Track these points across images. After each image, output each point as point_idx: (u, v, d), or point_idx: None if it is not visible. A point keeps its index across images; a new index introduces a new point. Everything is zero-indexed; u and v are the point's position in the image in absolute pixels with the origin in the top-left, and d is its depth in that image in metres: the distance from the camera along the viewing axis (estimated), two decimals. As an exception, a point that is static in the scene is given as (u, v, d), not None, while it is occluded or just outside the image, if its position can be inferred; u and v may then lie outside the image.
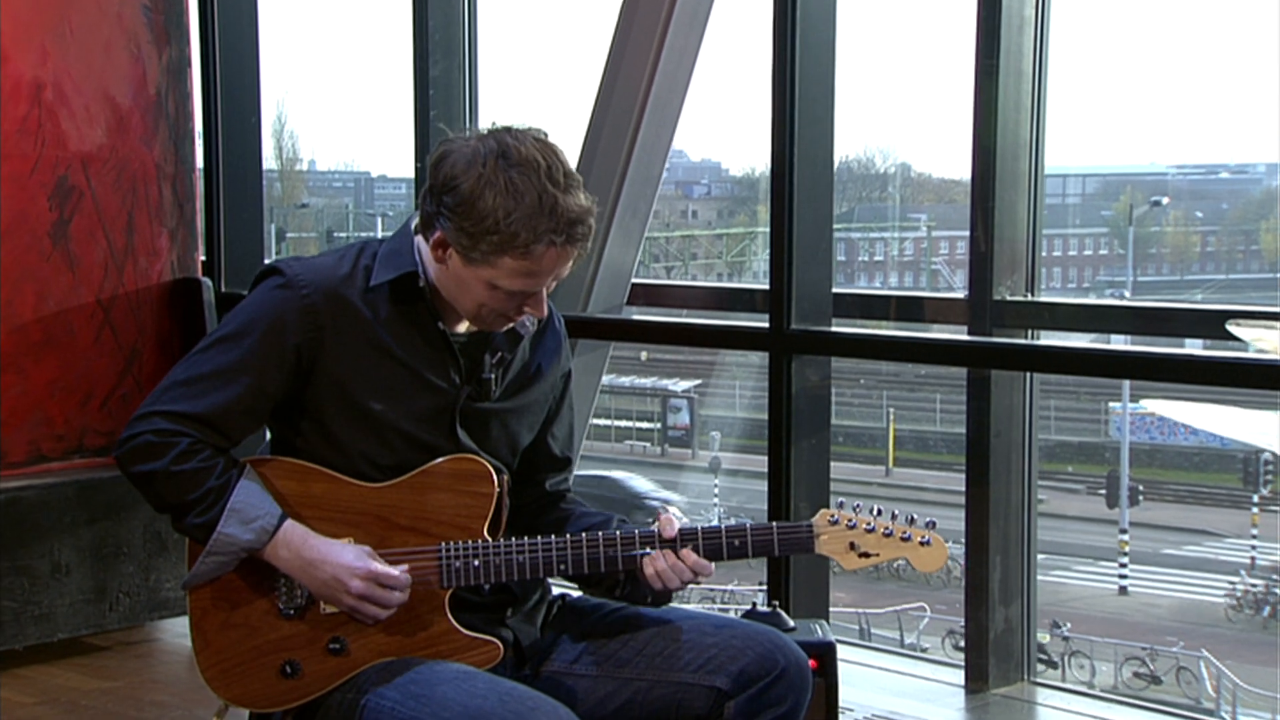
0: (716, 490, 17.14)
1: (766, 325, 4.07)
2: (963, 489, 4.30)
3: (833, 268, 4.17)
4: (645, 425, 18.44)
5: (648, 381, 18.17)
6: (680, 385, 17.83)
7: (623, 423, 18.86)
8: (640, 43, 4.68)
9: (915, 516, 2.44)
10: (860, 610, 15.39)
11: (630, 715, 2.43)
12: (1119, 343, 5.43)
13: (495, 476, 2.38)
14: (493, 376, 2.45)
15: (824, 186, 4.11)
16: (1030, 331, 4.34)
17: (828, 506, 4.15)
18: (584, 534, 2.39)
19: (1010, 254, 4.31)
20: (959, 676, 4.38)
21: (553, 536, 2.38)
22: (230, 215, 5.09)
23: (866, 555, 2.42)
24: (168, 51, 4.47)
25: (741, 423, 18.15)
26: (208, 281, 4.62)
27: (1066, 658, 16.23)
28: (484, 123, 5.28)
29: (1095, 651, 16.38)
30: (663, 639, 2.44)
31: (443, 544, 2.34)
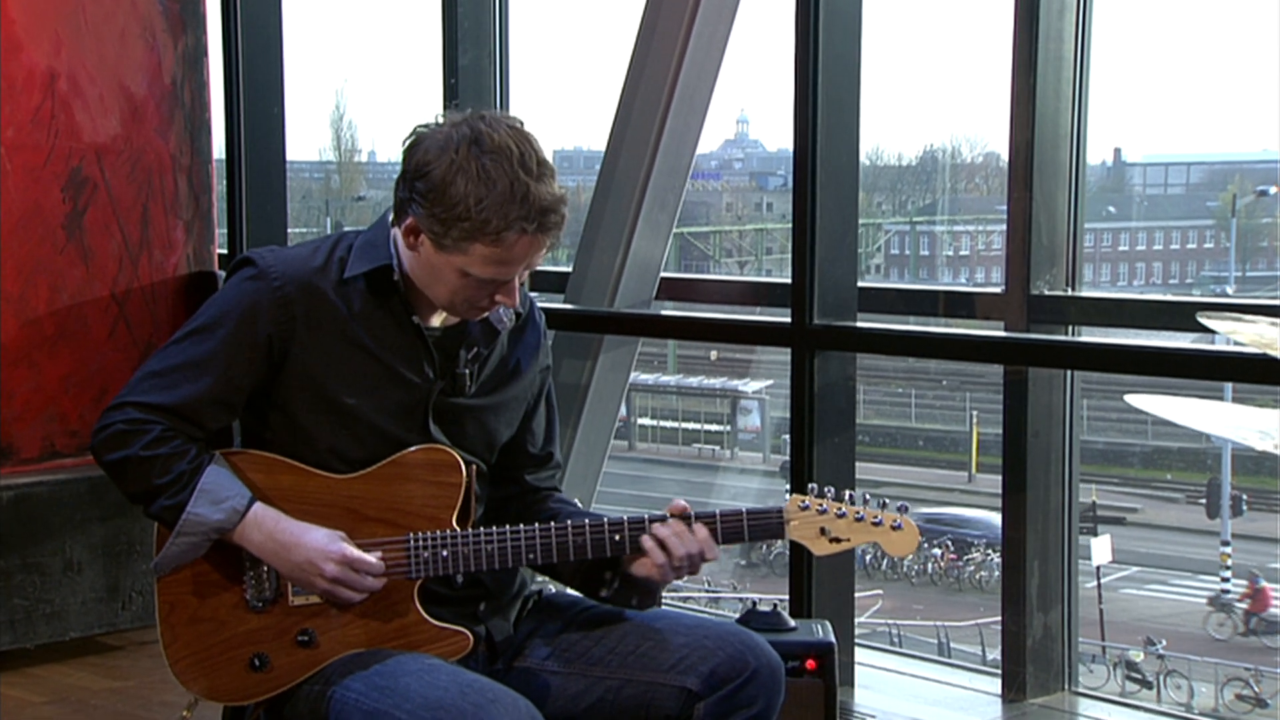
0: (787, 496, 17.17)
1: (788, 321, 4.15)
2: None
3: (858, 261, 4.25)
4: (714, 428, 18.53)
5: (717, 382, 18.23)
6: (751, 386, 17.90)
7: (690, 425, 18.94)
8: (667, 31, 4.78)
9: (888, 501, 2.51)
10: (939, 623, 15.37)
11: (601, 714, 2.51)
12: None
13: (464, 466, 2.48)
14: (467, 372, 2.54)
15: (848, 178, 4.18)
16: (1071, 327, 4.39)
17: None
18: (552, 523, 2.49)
19: (1049, 247, 4.36)
20: (996, 685, 4.44)
21: (521, 525, 2.47)
22: (253, 207, 5.25)
23: (837, 540, 2.49)
24: (183, 40, 4.63)
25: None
26: (224, 275, 4.77)
27: (1162, 677, 16.09)
28: (514, 112, 5.44)
29: (1194, 671, 16.23)
30: (635, 637, 2.53)
31: (411, 534, 2.45)
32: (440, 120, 2.42)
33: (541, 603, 2.67)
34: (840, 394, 4.21)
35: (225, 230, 5.27)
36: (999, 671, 4.43)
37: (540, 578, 2.72)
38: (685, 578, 2.55)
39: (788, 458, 16.06)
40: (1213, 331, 3.20)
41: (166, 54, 4.60)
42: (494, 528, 2.48)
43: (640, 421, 19.23)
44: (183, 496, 2.40)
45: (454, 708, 2.25)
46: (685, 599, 11.47)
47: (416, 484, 2.47)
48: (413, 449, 2.48)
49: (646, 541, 2.46)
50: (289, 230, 5.55)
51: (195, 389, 2.43)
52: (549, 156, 2.46)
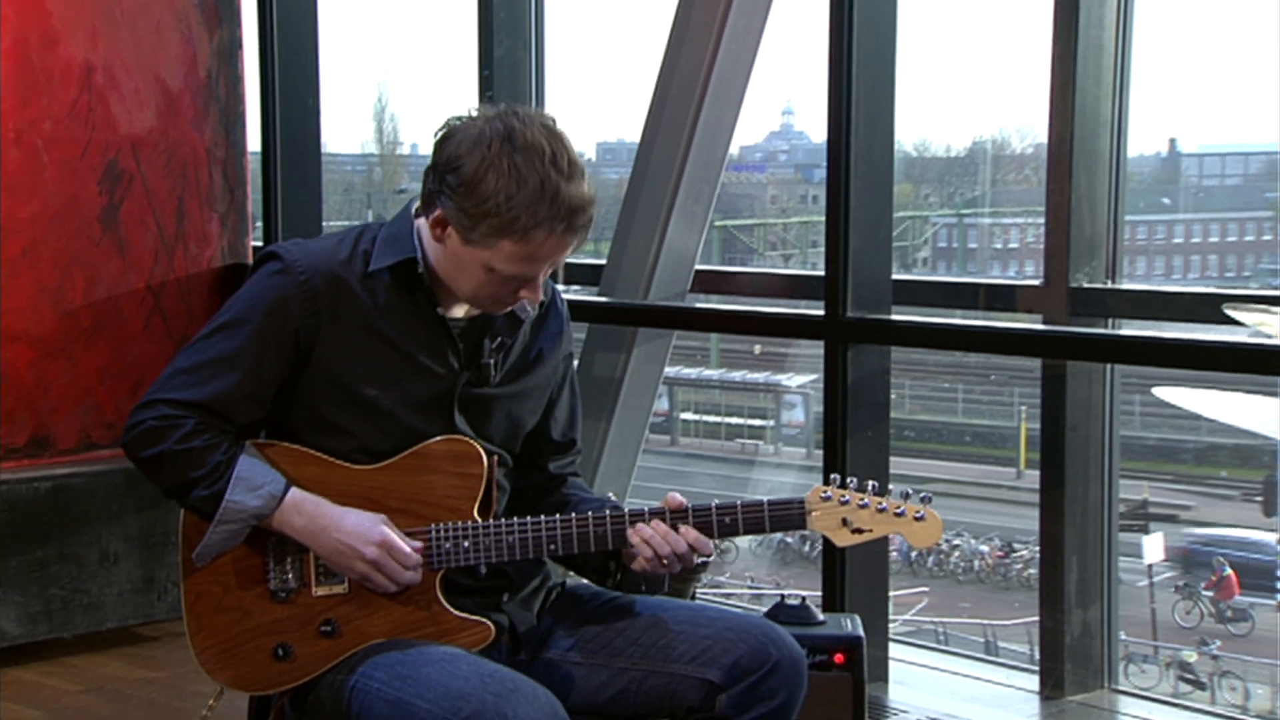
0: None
1: (822, 313, 4.19)
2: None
3: (891, 253, 4.27)
4: (757, 423, 18.56)
5: (760, 376, 18.24)
6: (795, 380, 17.92)
7: (733, 420, 18.96)
8: (702, 20, 4.82)
9: (911, 491, 2.54)
10: (985, 622, 15.32)
11: (624, 705, 2.56)
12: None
13: (485, 457, 2.53)
14: (492, 362, 2.59)
15: (883, 169, 4.21)
16: (1111, 320, 4.41)
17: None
18: (574, 514, 2.53)
19: (1090, 239, 4.38)
20: (1034, 682, 4.47)
21: (542, 516, 2.52)
22: (288, 200, 5.32)
23: (859, 532, 2.52)
24: (219, 33, 4.71)
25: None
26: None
27: (1216, 678, 15.99)
28: (549, 104, 5.48)
29: (1249, 673, 16.12)
30: (657, 629, 2.57)
31: (433, 525, 2.50)
32: (474, 114, 2.47)
33: (564, 594, 2.71)
34: (874, 387, 4.24)
35: (260, 223, 5.34)
36: (1038, 669, 4.45)
37: (559, 569, 2.77)
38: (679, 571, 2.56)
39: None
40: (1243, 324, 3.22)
41: (202, 47, 4.68)
42: (515, 519, 2.53)
43: (683, 416, 19.25)
44: (220, 486, 2.46)
45: (474, 697, 2.29)
46: (727, 595, 11.50)
47: (438, 475, 2.52)
48: (434, 440, 2.53)
49: (633, 538, 2.51)
50: (325, 223, 5.62)
51: (224, 384, 2.48)
52: (586, 152, 2.50)
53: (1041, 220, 4.44)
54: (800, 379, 17.82)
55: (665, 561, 2.50)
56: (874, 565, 4.35)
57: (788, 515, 2.53)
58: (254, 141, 4.99)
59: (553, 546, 2.52)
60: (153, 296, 4.62)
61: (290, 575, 2.52)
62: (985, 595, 16.12)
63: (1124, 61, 4.35)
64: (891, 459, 4.37)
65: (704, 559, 2.55)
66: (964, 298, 4.83)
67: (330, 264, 2.52)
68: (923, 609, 16.13)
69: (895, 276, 4.35)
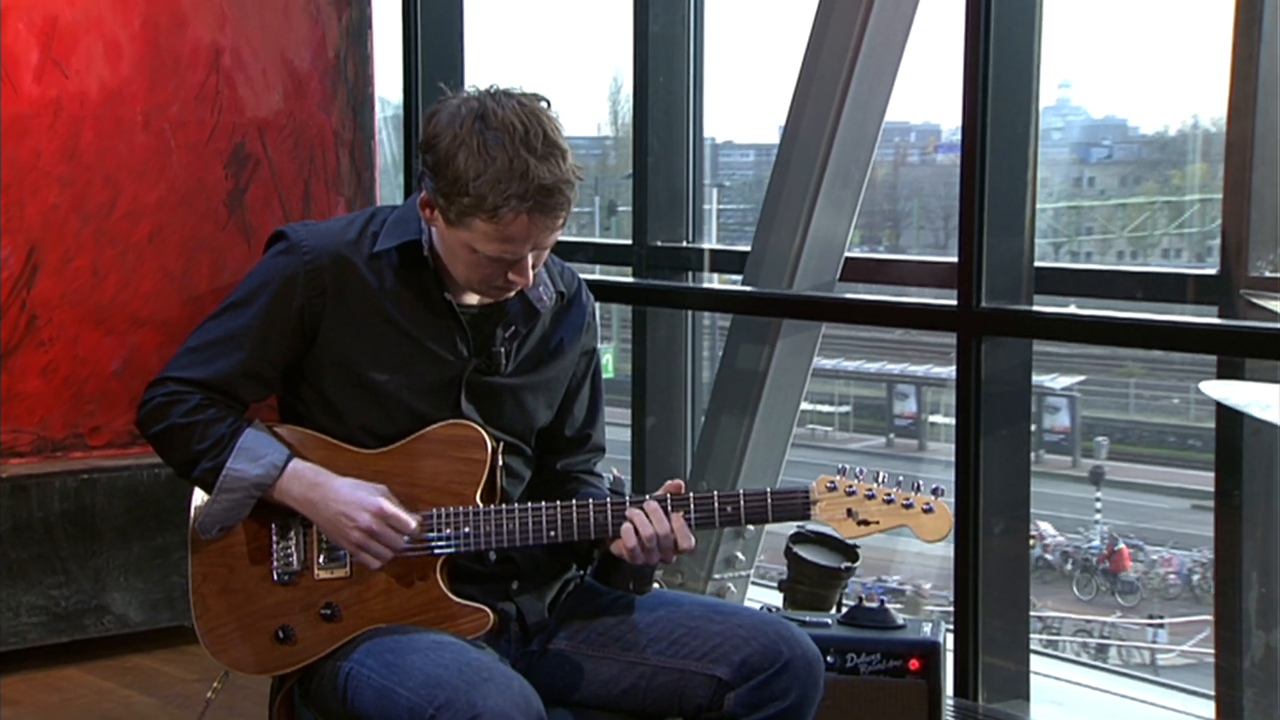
0: (1099, 505, 16.86)
1: (954, 304, 4.23)
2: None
3: (1034, 237, 4.29)
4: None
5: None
6: (1060, 382, 17.61)
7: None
8: (852, -13, 4.87)
9: (921, 483, 2.62)
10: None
11: (635, 700, 2.71)
12: None
13: (489, 443, 2.70)
14: (503, 350, 2.76)
15: (1022, 146, 4.24)
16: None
17: (1027, 509, 4.33)
18: (574, 500, 2.69)
19: (1271, 226, 4.33)
20: (1209, 709, 4.44)
21: (543, 502, 2.68)
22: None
23: (866, 523, 2.62)
24: (347, 13, 5.01)
25: (1135, 427, 17.71)
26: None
27: None
28: (708, 80, 5.63)
29: None
30: (670, 623, 2.72)
31: (434, 510, 2.68)
32: (462, 92, 2.62)
33: (582, 587, 2.87)
34: (1013, 383, 4.27)
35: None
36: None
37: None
38: (658, 561, 2.68)
39: (1101, 462, 15.59)
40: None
41: (330, 27, 4.99)
42: (516, 504, 2.69)
43: (931, 419, 19.10)
44: (223, 457, 2.67)
45: (449, 685, 2.46)
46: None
47: (442, 460, 2.70)
48: (438, 425, 2.71)
49: (625, 522, 2.64)
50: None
51: (229, 363, 2.71)
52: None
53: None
54: (1066, 380, 17.55)
55: (647, 544, 2.62)
56: (1012, 571, 4.37)
57: (791, 504, 2.64)
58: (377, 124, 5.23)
59: (553, 533, 2.67)
60: (279, 282, 4.93)
61: (293, 557, 2.72)
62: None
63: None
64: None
65: (683, 551, 2.66)
66: (1135, 287, 4.78)
67: (337, 244, 2.72)
68: (1205, 638, 15.72)
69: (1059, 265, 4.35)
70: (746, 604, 4.63)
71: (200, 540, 2.75)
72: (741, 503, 2.64)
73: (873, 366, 18.49)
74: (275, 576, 2.73)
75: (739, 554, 5.29)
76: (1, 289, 4.58)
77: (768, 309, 4.99)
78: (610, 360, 11.27)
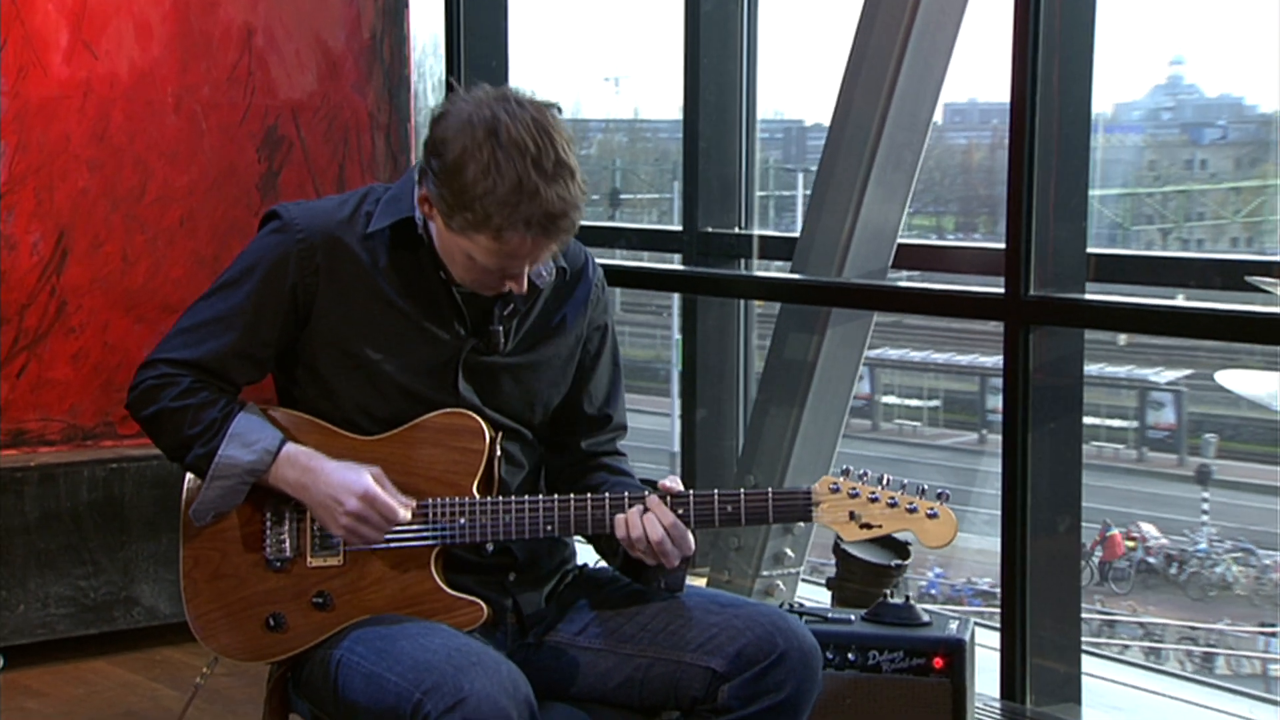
0: (1206, 506, 16.62)
1: (1001, 292, 4.18)
2: None
3: (1089, 223, 4.23)
4: (1118, 424, 18.06)
5: (1122, 370, 17.76)
6: (1165, 375, 17.38)
7: (1090, 420, 18.58)
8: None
9: (926, 487, 2.62)
10: None
11: (631, 693, 2.72)
12: None
13: (487, 432, 2.71)
14: (501, 329, 2.77)
15: (1076, 128, 4.18)
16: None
17: (1078, 505, 4.27)
18: (572, 493, 2.69)
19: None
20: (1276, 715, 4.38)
21: (540, 496, 2.69)
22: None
23: (868, 527, 2.62)
24: (384, -9, 5.04)
25: (1246, 424, 17.44)
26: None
27: None
28: (762, 60, 5.60)
29: None
30: (667, 615, 2.72)
31: (430, 500, 2.70)
32: (475, 91, 2.61)
33: (582, 578, 2.89)
34: (1063, 374, 4.23)
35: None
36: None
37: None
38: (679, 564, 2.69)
39: (1208, 460, 15.38)
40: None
41: (366, 7, 5.02)
42: (513, 497, 2.70)
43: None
44: (215, 443, 2.70)
45: (437, 669, 2.48)
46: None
47: (438, 449, 2.72)
48: (436, 413, 2.73)
49: (617, 519, 2.65)
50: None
51: (220, 344, 2.74)
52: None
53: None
54: (1171, 374, 17.32)
55: (637, 545, 2.64)
56: (1063, 569, 4.32)
57: (792, 506, 2.65)
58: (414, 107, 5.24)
59: (549, 528, 2.68)
60: (313, 267, 4.97)
61: (286, 544, 2.75)
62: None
63: None
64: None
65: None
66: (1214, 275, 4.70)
67: (329, 223, 2.75)
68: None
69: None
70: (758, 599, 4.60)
71: (193, 525, 2.78)
72: (742, 502, 2.65)
73: (964, 359, 18.43)
74: (268, 563, 2.76)
75: (788, 550, 5.26)
76: (31, 275, 4.65)
77: (811, 297, 4.95)
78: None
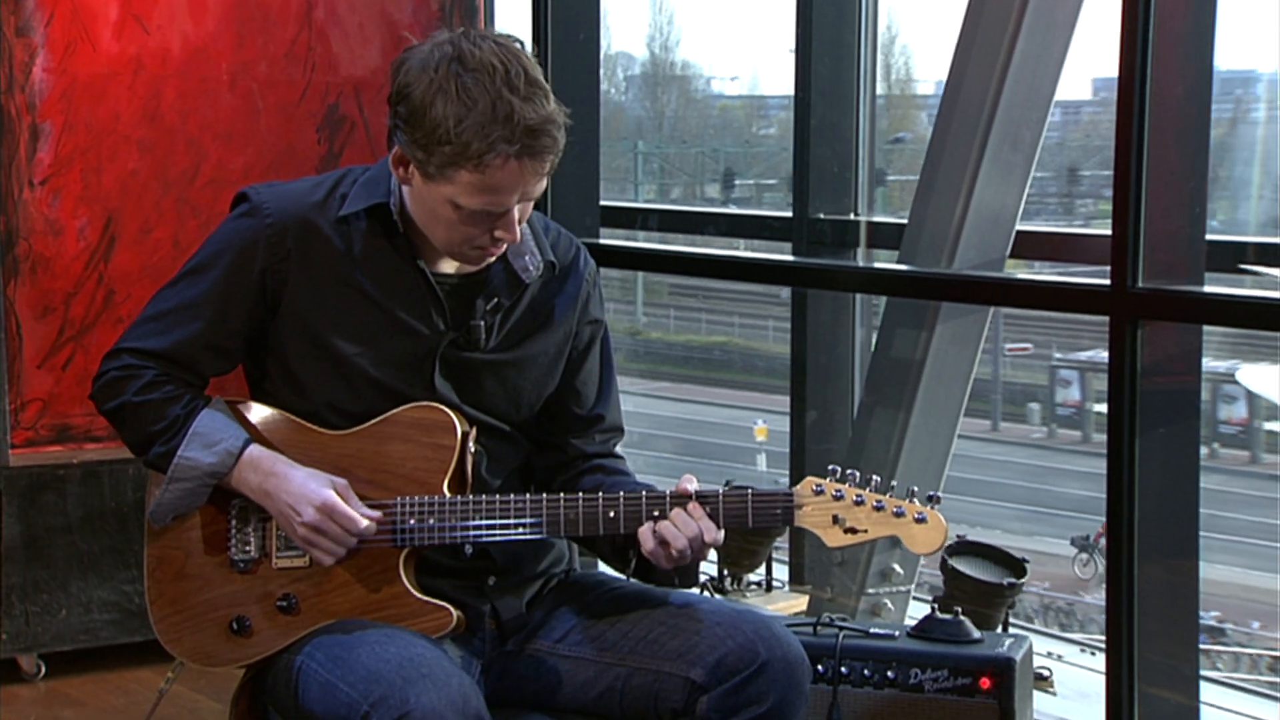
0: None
1: (1106, 283, 4.05)
2: None
3: (1205, 210, 4.07)
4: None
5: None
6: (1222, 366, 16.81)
7: (1271, 425, 18.19)
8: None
9: (916, 490, 2.58)
10: None
11: (610, 704, 2.69)
12: None
13: (459, 427, 2.68)
14: (484, 323, 2.74)
15: (1193, 106, 4.03)
16: None
17: (1195, 518, 4.15)
18: (544, 494, 2.66)
19: None
20: None
21: (511, 495, 2.66)
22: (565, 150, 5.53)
23: (853, 531, 2.59)
24: (453, -40, 5.01)
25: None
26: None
27: None
28: (882, 33, 5.51)
29: None
30: (650, 622, 2.69)
31: (398, 499, 2.68)
32: (430, 39, 2.64)
33: (566, 582, 2.85)
34: (1177, 373, 4.07)
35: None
36: None
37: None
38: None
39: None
40: None
41: (434, -24, 5.00)
42: (484, 495, 2.67)
43: (1265, 426, 18.52)
44: (175, 442, 2.72)
45: (386, 681, 2.47)
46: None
47: (408, 444, 2.70)
48: (406, 406, 2.71)
49: (643, 532, 2.62)
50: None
51: (187, 333, 2.75)
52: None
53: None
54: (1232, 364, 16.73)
55: (678, 554, 2.62)
56: (1179, 590, 4.16)
57: (773, 508, 2.61)
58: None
59: (522, 529, 2.66)
60: (376, 255, 4.96)
61: (251, 544, 2.75)
62: None
63: None
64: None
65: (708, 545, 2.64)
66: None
67: (300, 206, 2.75)
68: None
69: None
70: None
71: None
72: (720, 503, 2.62)
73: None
74: (233, 563, 2.76)
75: (896, 566, 5.16)
76: (77, 262, 4.69)
77: (912, 289, 4.85)
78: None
